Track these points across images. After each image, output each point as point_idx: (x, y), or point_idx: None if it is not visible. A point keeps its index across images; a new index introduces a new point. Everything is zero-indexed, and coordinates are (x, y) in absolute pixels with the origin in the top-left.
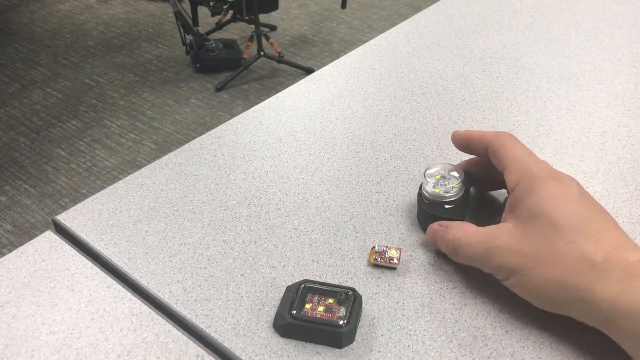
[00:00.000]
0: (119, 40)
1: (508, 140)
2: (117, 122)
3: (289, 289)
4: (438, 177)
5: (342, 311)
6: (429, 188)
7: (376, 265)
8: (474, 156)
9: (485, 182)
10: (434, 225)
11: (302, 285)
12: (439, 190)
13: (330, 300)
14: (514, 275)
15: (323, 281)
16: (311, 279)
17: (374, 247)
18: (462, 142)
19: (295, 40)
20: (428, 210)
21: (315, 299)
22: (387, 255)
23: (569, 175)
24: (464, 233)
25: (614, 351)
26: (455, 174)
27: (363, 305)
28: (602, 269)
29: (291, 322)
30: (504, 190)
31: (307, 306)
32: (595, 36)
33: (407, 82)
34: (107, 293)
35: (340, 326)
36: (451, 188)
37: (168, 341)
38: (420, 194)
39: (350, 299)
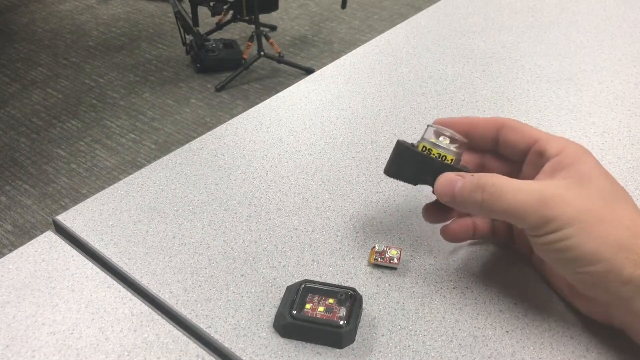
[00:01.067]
0: (119, 41)
1: (516, 121)
2: (117, 122)
3: (289, 289)
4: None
5: (343, 311)
6: (432, 136)
7: (376, 265)
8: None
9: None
10: (450, 175)
11: (303, 286)
12: (447, 141)
13: (331, 301)
14: (569, 227)
15: (323, 281)
16: (311, 279)
17: (374, 247)
18: (461, 129)
19: (295, 41)
20: (432, 160)
21: (316, 299)
22: (387, 255)
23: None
24: (506, 180)
25: (614, 352)
26: (460, 137)
27: (363, 305)
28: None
29: (291, 322)
30: None
31: (308, 306)
32: (595, 36)
33: (407, 82)
34: (107, 293)
35: (341, 326)
36: (452, 143)
37: (168, 341)
38: (415, 145)
39: (351, 299)
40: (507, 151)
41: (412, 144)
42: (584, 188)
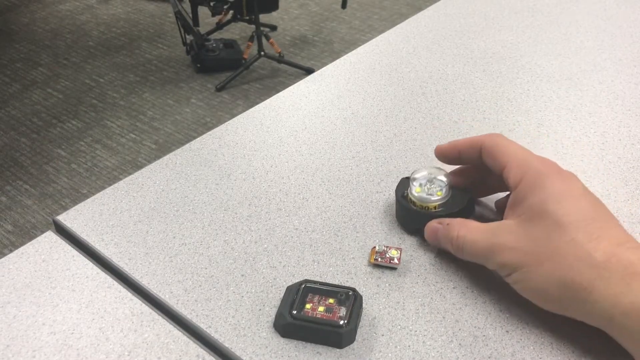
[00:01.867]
0: (120, 41)
1: (502, 139)
2: (117, 122)
3: (289, 289)
4: (424, 182)
5: (343, 311)
6: (414, 191)
7: (376, 266)
8: (457, 167)
9: (478, 189)
10: (433, 223)
11: (303, 286)
12: (420, 190)
13: (331, 300)
14: (515, 272)
15: (323, 281)
16: (311, 279)
17: (375, 247)
18: (452, 153)
19: (295, 40)
20: (418, 212)
21: (316, 299)
22: (387, 255)
23: (571, 172)
24: (467, 231)
25: (614, 351)
26: (442, 178)
27: (363, 305)
28: (602, 268)
29: (292, 322)
30: (495, 195)
31: (308, 306)
32: (595, 36)
33: (408, 82)
34: (107, 293)
35: (341, 326)
36: (435, 192)
37: (169, 341)
38: (403, 196)
39: (351, 299)
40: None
41: (403, 193)
42: (530, 228)
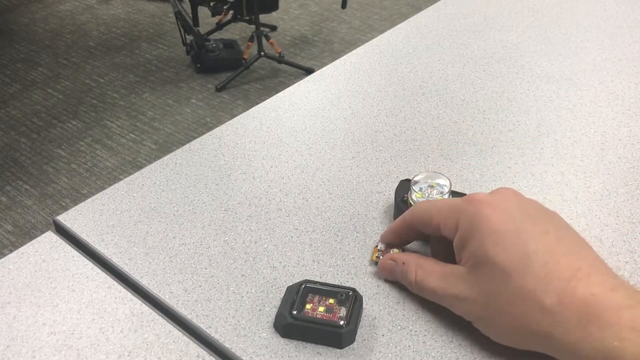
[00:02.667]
0: (120, 41)
1: (424, 204)
2: (117, 123)
3: (289, 289)
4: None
5: (343, 311)
6: (414, 196)
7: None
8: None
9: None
10: (387, 261)
11: (303, 286)
12: (420, 195)
13: (331, 301)
14: (476, 323)
15: (323, 281)
16: (312, 279)
17: (377, 245)
18: (396, 240)
19: (295, 41)
20: None
21: (316, 299)
22: (389, 254)
23: (503, 189)
24: (425, 275)
25: None
26: (443, 182)
27: (364, 305)
28: (556, 313)
29: (292, 323)
30: None
31: (308, 306)
32: (595, 36)
33: (408, 82)
34: (107, 293)
35: (341, 326)
36: (435, 197)
37: (169, 342)
38: (403, 200)
39: (351, 299)
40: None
41: (403, 197)
42: (478, 277)
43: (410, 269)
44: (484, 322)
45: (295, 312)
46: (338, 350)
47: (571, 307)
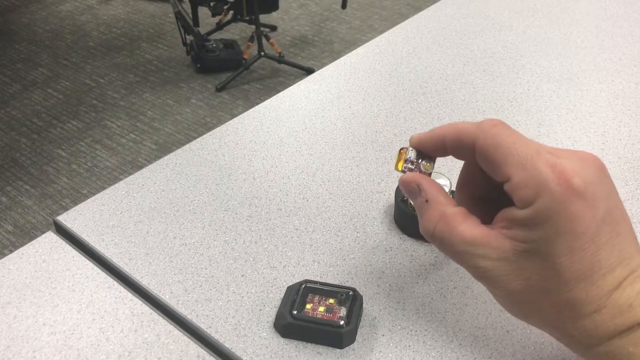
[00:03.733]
0: (120, 41)
1: (504, 137)
2: (117, 123)
3: (289, 289)
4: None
5: (343, 311)
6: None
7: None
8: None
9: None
10: (411, 184)
11: (303, 286)
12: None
13: (331, 301)
14: (500, 298)
15: (324, 281)
16: (312, 279)
17: (403, 148)
18: (435, 146)
19: (295, 41)
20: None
21: (316, 299)
22: (421, 168)
23: (595, 163)
24: (446, 230)
25: None
26: (443, 183)
27: (364, 305)
28: (589, 320)
29: (292, 323)
30: None
31: (308, 306)
32: (595, 36)
33: (408, 82)
34: (107, 294)
35: (341, 326)
36: None
37: (169, 342)
38: (403, 200)
39: (351, 299)
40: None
41: (403, 197)
42: (527, 266)
43: (432, 214)
44: (510, 302)
45: (295, 312)
46: (338, 350)
47: (604, 318)
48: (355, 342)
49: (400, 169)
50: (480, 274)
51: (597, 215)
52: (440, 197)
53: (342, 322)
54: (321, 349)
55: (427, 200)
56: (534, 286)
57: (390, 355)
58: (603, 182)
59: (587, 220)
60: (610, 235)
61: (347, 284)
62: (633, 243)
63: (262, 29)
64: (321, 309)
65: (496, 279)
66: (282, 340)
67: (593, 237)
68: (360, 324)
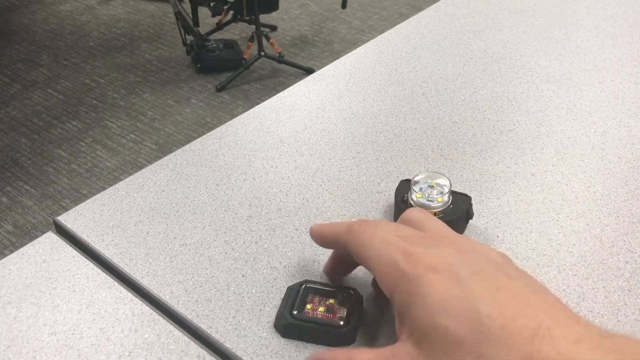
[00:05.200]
0: (120, 41)
1: (362, 235)
2: (117, 123)
3: (290, 289)
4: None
5: (343, 311)
6: (414, 196)
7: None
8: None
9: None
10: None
11: (303, 286)
12: (420, 195)
13: (331, 301)
14: None
15: (324, 281)
16: (312, 279)
17: None
18: (320, 241)
19: (295, 41)
20: None
21: (316, 299)
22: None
23: (444, 240)
24: None
25: None
26: (443, 183)
27: (364, 305)
28: None
29: (292, 323)
30: None
31: (308, 306)
32: (595, 36)
33: (408, 82)
34: (108, 294)
35: (341, 326)
36: (435, 198)
37: (169, 342)
38: (403, 200)
39: (351, 299)
40: None
41: (403, 197)
42: (429, 350)
43: None
44: None
45: (295, 312)
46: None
47: None
48: (355, 343)
49: None
50: None
51: (457, 278)
52: (339, 350)
53: (342, 322)
54: (321, 349)
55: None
56: None
57: None
58: (455, 253)
59: (447, 285)
60: (486, 289)
61: (347, 284)
62: (534, 294)
63: (262, 29)
64: (321, 309)
65: None
66: (282, 340)
67: (464, 296)
68: (360, 324)
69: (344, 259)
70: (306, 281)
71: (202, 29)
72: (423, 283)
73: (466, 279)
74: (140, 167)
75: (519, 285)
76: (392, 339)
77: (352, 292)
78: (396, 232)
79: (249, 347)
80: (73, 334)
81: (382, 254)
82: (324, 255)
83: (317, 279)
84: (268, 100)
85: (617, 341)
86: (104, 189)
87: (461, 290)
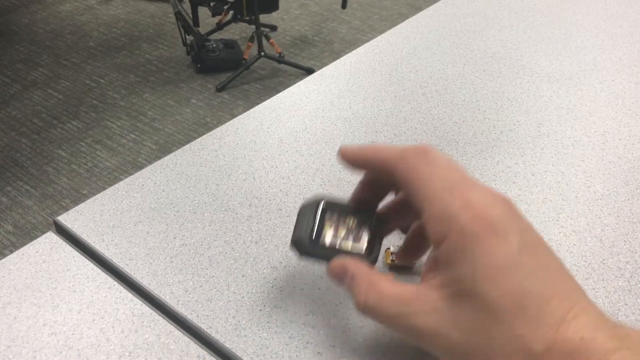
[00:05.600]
0: (120, 41)
1: (422, 167)
2: (117, 123)
3: (305, 208)
4: None
5: (365, 236)
6: None
7: (394, 267)
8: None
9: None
10: (335, 268)
11: (321, 205)
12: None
13: (352, 223)
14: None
15: (343, 202)
16: (330, 198)
17: (389, 248)
18: (357, 164)
19: (295, 41)
20: None
21: (336, 220)
22: (340, 260)
23: (505, 203)
24: (377, 297)
25: None
26: None
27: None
28: None
29: (311, 249)
30: None
31: (328, 229)
32: (596, 35)
33: (408, 82)
34: (108, 294)
35: (363, 254)
36: None
37: (169, 342)
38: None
39: (373, 222)
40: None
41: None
42: (458, 312)
43: (359, 286)
44: None
45: (314, 237)
46: (338, 350)
47: (559, 355)
48: (356, 342)
49: (389, 263)
50: (419, 335)
51: (511, 248)
52: (364, 268)
53: (364, 249)
54: (322, 349)
55: (352, 276)
56: (474, 332)
57: (391, 355)
58: (513, 217)
59: (501, 252)
60: (533, 266)
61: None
62: (566, 279)
63: (262, 29)
64: (342, 232)
65: (435, 336)
66: (282, 340)
67: (512, 268)
68: (361, 324)
69: (377, 185)
70: (324, 201)
71: (202, 29)
72: (479, 244)
73: (520, 251)
74: (140, 167)
75: (558, 265)
76: (393, 339)
77: (373, 214)
78: (458, 176)
79: (249, 347)
80: (73, 334)
81: (441, 197)
82: None
83: (317, 279)
84: (268, 100)
85: (627, 332)
86: (104, 189)
87: (513, 262)
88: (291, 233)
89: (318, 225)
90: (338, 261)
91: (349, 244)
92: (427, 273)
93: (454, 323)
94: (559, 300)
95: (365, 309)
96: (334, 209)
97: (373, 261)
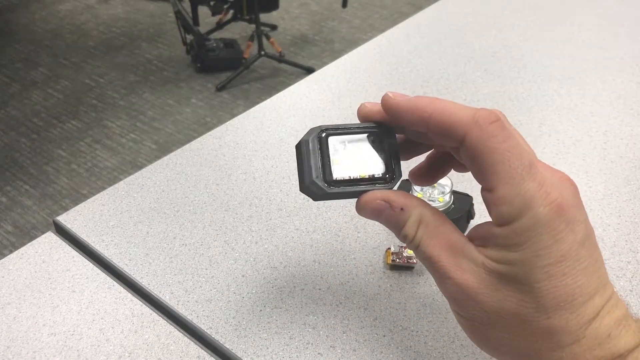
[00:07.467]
0: (120, 41)
1: (499, 139)
2: (117, 123)
3: (303, 145)
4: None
5: (379, 158)
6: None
7: (395, 267)
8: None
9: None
10: (376, 201)
11: (323, 135)
12: (421, 195)
13: (358, 143)
14: (472, 330)
15: (340, 124)
16: (327, 126)
17: (389, 248)
18: (407, 118)
19: (296, 40)
20: None
21: (344, 148)
22: (404, 255)
23: (570, 181)
24: (430, 238)
25: None
26: (445, 182)
27: (364, 305)
28: (569, 351)
29: (328, 192)
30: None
31: (337, 162)
32: (597, 35)
33: (409, 81)
34: (107, 294)
35: (385, 180)
36: (436, 198)
37: (169, 342)
38: None
39: (381, 137)
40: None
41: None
42: (503, 290)
43: (409, 220)
44: (480, 327)
45: (329, 177)
46: (339, 350)
47: (584, 348)
48: (356, 343)
49: (389, 262)
50: (452, 287)
51: (577, 239)
52: (415, 201)
53: (382, 172)
54: (321, 349)
55: (402, 209)
56: (508, 311)
57: (391, 355)
58: (579, 205)
59: (568, 244)
60: (589, 260)
61: (348, 284)
62: (605, 271)
63: (262, 28)
64: (352, 157)
65: (468, 296)
66: (282, 340)
67: (573, 261)
68: (361, 325)
69: (441, 157)
70: (322, 129)
71: (202, 28)
72: (548, 234)
73: (582, 242)
74: (140, 167)
75: (601, 257)
76: (393, 339)
77: (376, 128)
78: (532, 155)
79: (249, 348)
80: (73, 334)
81: (518, 179)
82: (325, 255)
83: (318, 280)
84: (268, 100)
85: None
86: (104, 188)
87: (575, 255)
88: (291, 233)
89: (324, 159)
90: (372, 194)
91: (364, 169)
92: (477, 238)
93: (491, 294)
94: (600, 296)
95: (413, 242)
96: (334, 135)
97: (396, 179)
